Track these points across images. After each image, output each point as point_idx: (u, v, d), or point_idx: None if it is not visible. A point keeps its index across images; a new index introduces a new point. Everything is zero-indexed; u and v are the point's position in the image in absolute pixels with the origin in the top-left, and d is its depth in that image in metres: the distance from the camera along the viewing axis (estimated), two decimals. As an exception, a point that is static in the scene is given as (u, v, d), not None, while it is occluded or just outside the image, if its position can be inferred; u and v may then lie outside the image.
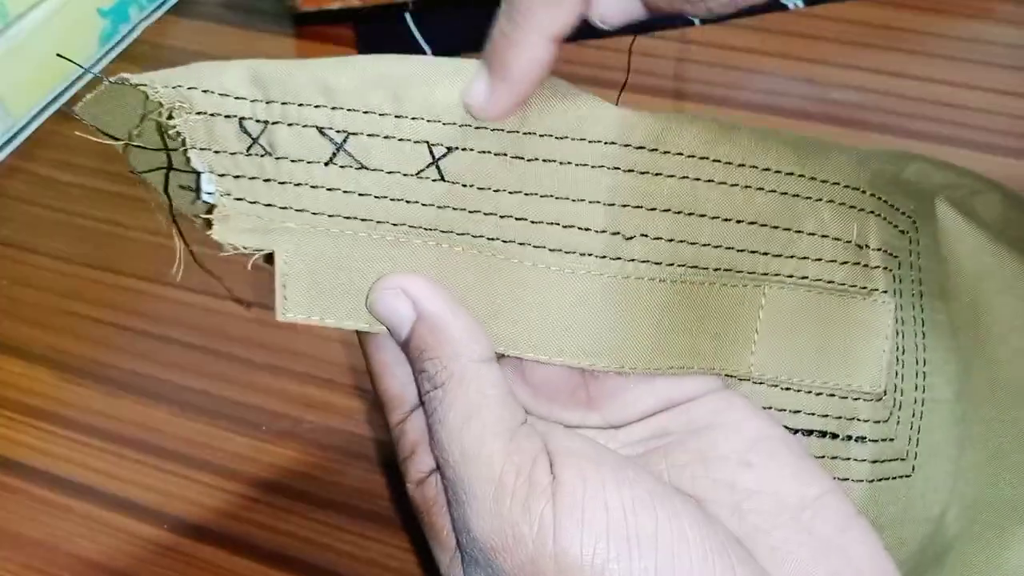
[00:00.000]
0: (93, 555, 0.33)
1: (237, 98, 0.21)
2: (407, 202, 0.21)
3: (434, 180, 0.21)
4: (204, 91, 0.22)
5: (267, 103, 0.21)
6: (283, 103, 0.21)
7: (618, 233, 0.22)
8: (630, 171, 0.22)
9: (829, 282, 0.24)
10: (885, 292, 0.24)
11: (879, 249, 0.24)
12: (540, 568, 0.20)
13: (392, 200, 0.21)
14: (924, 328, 0.25)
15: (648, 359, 0.23)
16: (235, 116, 0.21)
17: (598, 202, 0.22)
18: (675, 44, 0.56)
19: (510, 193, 0.21)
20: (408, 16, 0.59)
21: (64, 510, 0.35)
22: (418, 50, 0.56)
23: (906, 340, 0.25)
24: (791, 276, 0.24)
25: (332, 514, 0.34)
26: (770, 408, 0.24)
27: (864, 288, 0.24)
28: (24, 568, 0.33)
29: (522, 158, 0.21)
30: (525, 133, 0.21)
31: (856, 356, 0.24)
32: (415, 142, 0.21)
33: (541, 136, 0.22)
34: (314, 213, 0.22)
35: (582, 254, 0.22)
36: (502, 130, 0.21)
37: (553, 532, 0.20)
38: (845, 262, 0.24)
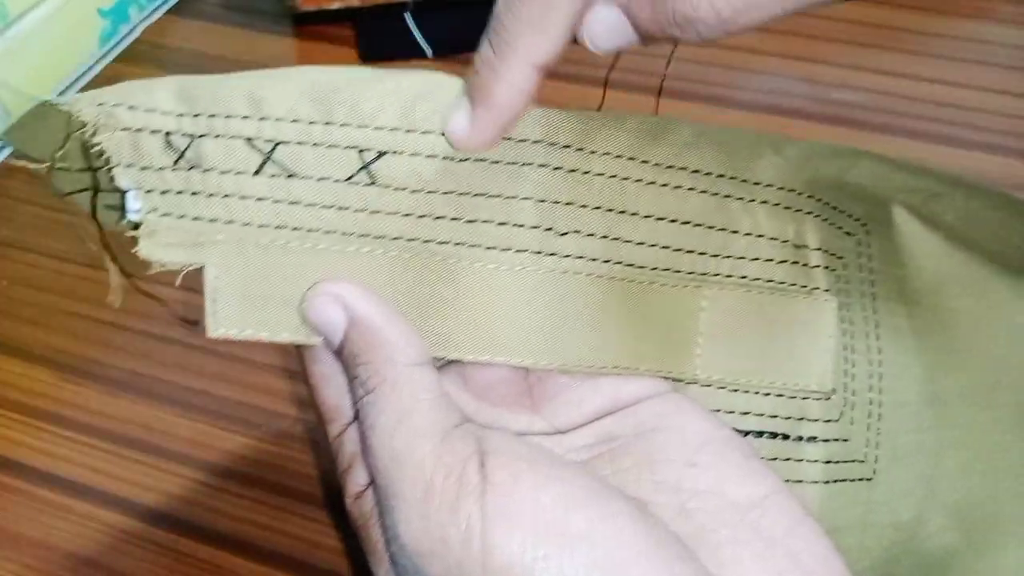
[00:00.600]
0: (93, 555, 0.33)
1: (163, 113, 0.21)
2: (339, 208, 0.21)
3: (365, 185, 0.21)
4: (130, 107, 0.21)
5: (194, 116, 0.21)
6: (210, 116, 0.21)
7: (551, 229, 0.22)
8: (558, 169, 0.22)
9: (768, 281, 0.24)
10: (827, 291, 0.24)
11: (819, 249, 0.24)
12: (467, 571, 0.19)
13: (323, 207, 0.21)
14: (879, 330, 0.25)
15: (589, 359, 0.23)
16: (161, 131, 0.21)
17: (529, 199, 0.22)
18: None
19: (443, 194, 0.21)
20: (408, 16, 0.59)
21: (64, 510, 0.35)
22: (418, 50, 0.56)
23: (856, 340, 0.25)
24: (730, 276, 0.24)
25: (332, 514, 0.34)
26: (719, 410, 0.24)
27: (804, 287, 0.25)
28: (24, 568, 0.33)
29: (452, 159, 0.21)
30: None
31: (801, 355, 0.24)
32: (344, 148, 0.21)
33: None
34: (244, 224, 0.21)
35: (517, 250, 0.22)
36: (432, 132, 0.21)
37: (480, 532, 0.19)
38: (783, 261, 0.24)
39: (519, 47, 0.21)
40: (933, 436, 0.25)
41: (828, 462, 0.24)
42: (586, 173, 0.22)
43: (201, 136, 0.21)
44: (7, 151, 0.51)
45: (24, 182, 0.49)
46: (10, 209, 0.47)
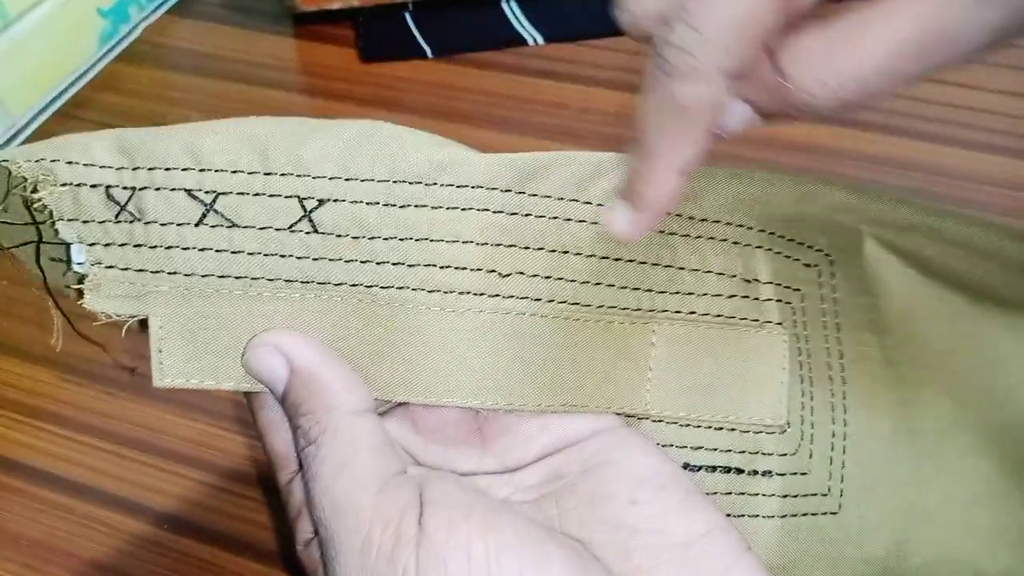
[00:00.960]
0: (93, 555, 0.33)
1: (102, 167, 0.21)
2: (281, 256, 0.21)
3: (307, 232, 0.21)
4: (68, 163, 0.21)
5: (133, 170, 0.21)
6: (150, 168, 0.21)
7: (494, 271, 0.22)
8: (499, 212, 0.22)
9: (717, 316, 0.24)
10: (780, 324, 0.24)
11: (770, 282, 0.24)
12: None
13: (266, 255, 0.21)
14: (843, 360, 0.25)
15: (537, 398, 0.23)
16: (101, 184, 0.21)
17: (471, 242, 0.22)
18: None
19: (385, 239, 0.21)
20: (408, 16, 0.59)
21: (64, 510, 0.35)
22: (418, 50, 0.56)
23: (815, 372, 0.25)
24: (678, 312, 0.24)
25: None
26: (671, 445, 0.24)
27: (756, 320, 0.24)
28: (24, 568, 0.33)
29: (394, 205, 0.21)
30: (395, 181, 0.22)
31: (753, 388, 0.24)
32: (286, 197, 0.21)
33: (411, 184, 0.22)
34: (187, 275, 0.21)
35: (461, 293, 0.22)
36: (373, 180, 0.21)
37: None
38: (732, 296, 0.24)
39: (664, 159, 0.21)
40: (910, 467, 0.25)
41: (785, 496, 0.24)
42: (526, 215, 0.23)
43: (142, 189, 0.21)
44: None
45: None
46: (10, 209, 0.47)
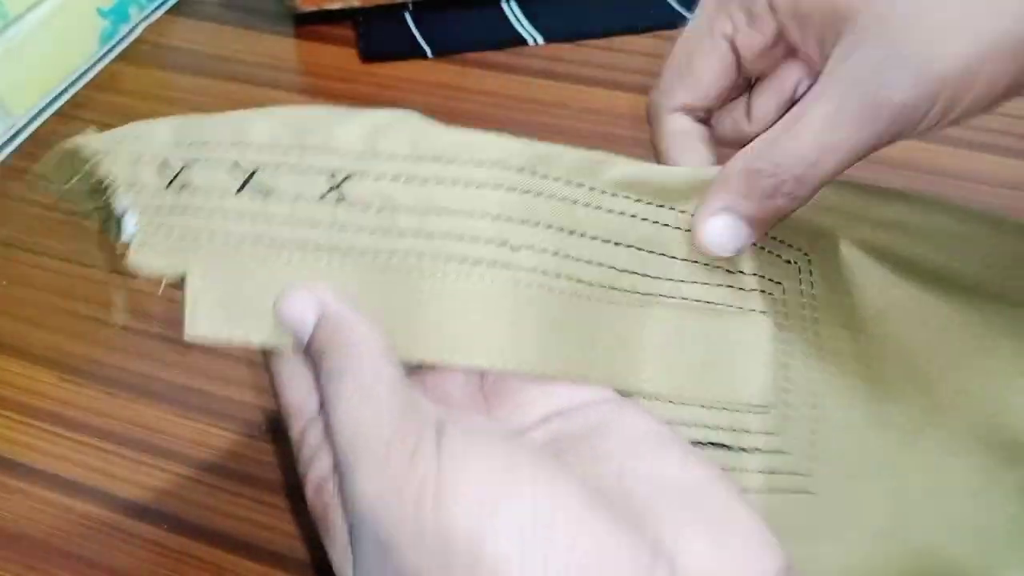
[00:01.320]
0: (93, 555, 0.33)
1: (160, 143, 0.24)
2: (310, 225, 0.23)
3: (336, 202, 0.23)
4: (134, 137, 0.24)
5: (188, 145, 0.23)
6: (201, 143, 0.23)
7: (506, 244, 0.24)
8: (513, 190, 0.24)
9: (707, 302, 0.26)
10: (763, 312, 0.26)
11: (754, 275, 0.26)
12: (420, 527, 0.20)
13: (296, 224, 0.23)
14: (822, 352, 0.26)
15: (541, 364, 0.24)
16: (156, 158, 0.24)
17: (487, 215, 0.24)
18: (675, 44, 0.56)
19: (407, 211, 0.23)
20: (408, 16, 0.59)
21: (64, 510, 0.35)
22: (418, 49, 0.56)
23: (793, 359, 0.26)
24: (671, 297, 0.26)
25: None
26: (664, 421, 0.25)
27: (740, 308, 0.26)
28: (24, 568, 0.33)
29: (416, 178, 0.23)
30: (418, 157, 0.23)
31: (739, 370, 0.26)
32: (318, 171, 0.23)
33: (434, 159, 0.23)
34: (224, 238, 0.24)
35: (474, 262, 0.23)
36: (397, 156, 0.23)
37: (434, 491, 0.20)
38: (719, 285, 0.26)
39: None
40: (883, 458, 0.26)
41: (768, 472, 0.25)
42: (539, 195, 0.24)
43: (193, 160, 0.23)
44: (8, 151, 0.51)
45: (24, 182, 0.49)
46: (10, 209, 0.47)
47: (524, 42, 0.56)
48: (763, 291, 0.26)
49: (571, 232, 0.24)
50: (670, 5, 0.58)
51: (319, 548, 0.33)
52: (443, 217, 0.23)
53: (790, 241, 0.26)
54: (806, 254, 0.27)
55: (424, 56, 0.56)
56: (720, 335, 0.26)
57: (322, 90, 0.54)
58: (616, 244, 0.25)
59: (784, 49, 0.26)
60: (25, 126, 0.52)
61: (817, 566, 0.25)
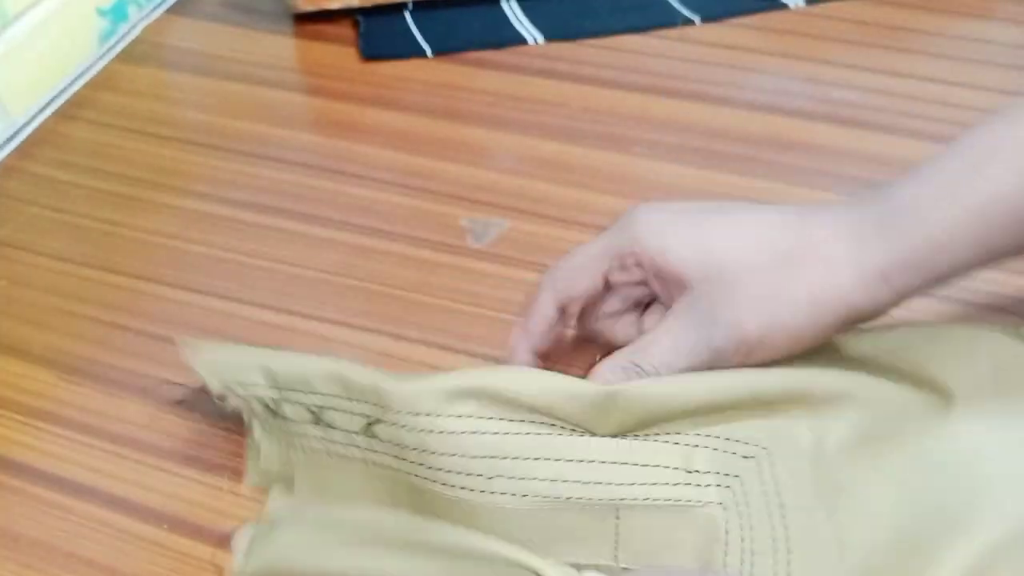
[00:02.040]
0: (93, 555, 0.33)
1: (261, 388, 0.34)
2: (356, 447, 0.33)
3: (369, 436, 0.33)
4: (239, 384, 0.34)
5: (278, 391, 0.34)
6: (286, 390, 0.34)
7: (481, 475, 0.31)
8: (485, 433, 0.31)
9: (667, 500, 0.31)
10: (720, 504, 0.31)
11: (709, 472, 0.31)
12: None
13: (346, 445, 0.33)
14: (788, 534, 0.30)
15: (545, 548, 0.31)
16: (262, 399, 0.34)
17: (466, 455, 0.31)
18: (675, 44, 0.56)
19: (411, 449, 0.32)
20: (408, 15, 0.59)
21: (64, 510, 0.35)
22: (418, 49, 0.56)
23: (757, 545, 0.30)
24: (636, 499, 0.31)
25: None
26: None
27: (700, 502, 0.31)
28: (24, 568, 0.33)
29: (415, 429, 0.32)
30: (415, 414, 0.32)
31: (699, 555, 0.31)
32: (358, 415, 0.33)
33: (425, 416, 0.32)
34: (303, 447, 0.34)
35: (461, 488, 0.31)
36: (401, 411, 0.32)
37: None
38: (677, 483, 0.31)
39: None
40: None
41: None
42: (516, 434, 0.31)
43: (283, 400, 0.34)
44: (7, 151, 0.51)
45: (24, 182, 0.49)
46: (10, 209, 0.47)
47: (524, 42, 0.56)
48: (719, 484, 0.31)
49: (536, 459, 0.31)
50: (670, 5, 0.58)
51: (319, 548, 0.33)
52: (433, 456, 0.31)
53: (748, 439, 0.32)
54: (765, 448, 0.31)
55: (424, 56, 0.56)
56: (685, 527, 0.31)
57: (322, 90, 0.54)
58: (589, 462, 0.31)
59: (640, 287, 0.35)
60: (25, 126, 0.52)
61: None
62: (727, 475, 0.31)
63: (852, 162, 0.48)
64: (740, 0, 0.58)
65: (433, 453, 0.31)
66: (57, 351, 0.40)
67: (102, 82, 0.55)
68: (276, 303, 0.42)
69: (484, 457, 0.31)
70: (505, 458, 0.31)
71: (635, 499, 0.31)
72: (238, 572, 0.32)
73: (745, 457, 0.31)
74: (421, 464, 0.32)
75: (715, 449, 0.32)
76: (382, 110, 0.52)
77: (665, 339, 0.33)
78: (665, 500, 0.31)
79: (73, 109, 0.53)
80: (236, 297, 0.42)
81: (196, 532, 0.34)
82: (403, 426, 0.32)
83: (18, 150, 0.51)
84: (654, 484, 0.31)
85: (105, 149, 0.51)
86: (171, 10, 0.61)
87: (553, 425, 0.32)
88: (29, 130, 0.52)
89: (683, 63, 0.54)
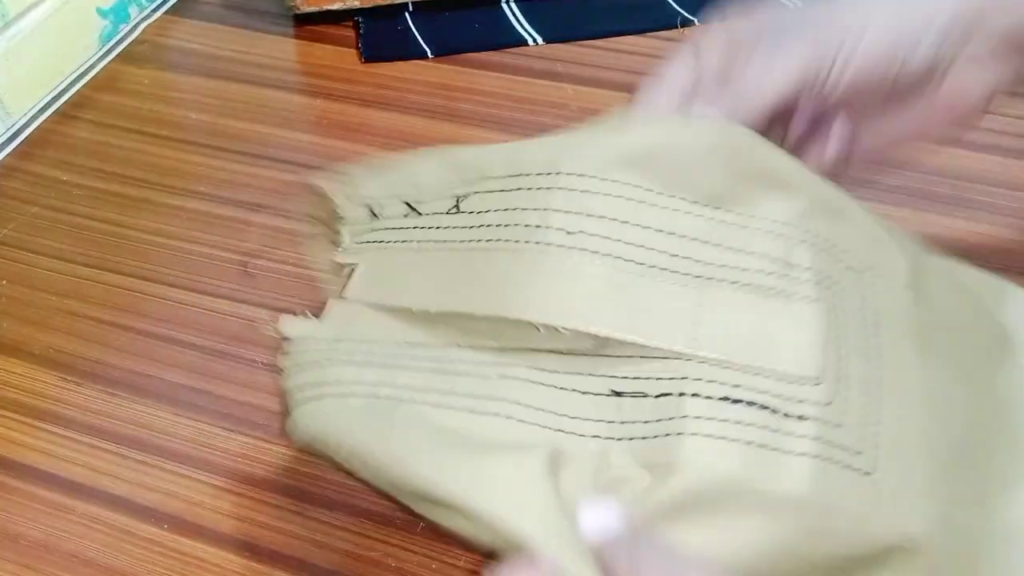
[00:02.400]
0: (93, 555, 0.33)
1: (373, 190, 0.34)
2: (438, 228, 0.32)
3: (455, 213, 0.31)
4: (356, 184, 0.34)
5: (388, 193, 0.33)
6: (394, 192, 0.33)
7: (574, 232, 0.28)
8: (574, 190, 0.29)
9: (759, 287, 0.27)
10: (817, 301, 0.27)
11: (809, 268, 0.28)
12: None
13: (429, 228, 0.32)
14: (881, 357, 0.27)
15: (612, 322, 0.27)
16: (369, 202, 0.34)
17: (559, 210, 0.28)
18: (675, 44, 0.56)
19: (494, 212, 0.30)
20: (408, 16, 0.59)
21: (64, 510, 0.35)
22: (418, 50, 0.56)
23: (848, 351, 0.27)
24: (723, 280, 0.28)
25: (331, 513, 0.34)
26: (714, 381, 0.26)
27: (793, 293, 0.27)
28: (24, 568, 0.33)
29: (501, 190, 0.30)
30: (507, 176, 0.30)
31: (788, 344, 0.27)
32: (447, 197, 0.31)
33: (519, 176, 0.30)
34: (387, 241, 0.33)
35: (547, 244, 0.28)
36: (492, 176, 0.30)
37: None
38: (772, 273, 0.28)
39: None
40: (946, 450, 0.26)
41: (819, 439, 0.25)
42: (607, 195, 0.28)
43: (386, 201, 0.33)
44: (7, 151, 0.51)
45: (24, 182, 0.49)
46: (10, 209, 0.47)
47: (524, 42, 0.56)
48: (817, 282, 0.27)
49: (625, 222, 0.28)
50: (670, 5, 0.58)
51: (320, 548, 0.34)
52: (517, 213, 0.29)
53: (854, 251, 0.29)
54: (870, 266, 0.29)
55: (424, 56, 0.56)
56: (771, 314, 0.27)
57: (322, 90, 0.54)
58: (670, 234, 0.28)
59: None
60: (25, 126, 0.52)
61: (863, 540, 0.25)
62: (828, 277, 0.28)
63: (852, 163, 0.48)
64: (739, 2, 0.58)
65: (516, 210, 0.30)
66: (57, 351, 0.40)
67: (103, 82, 0.55)
68: (277, 303, 0.42)
69: (579, 214, 0.28)
70: (598, 216, 0.28)
71: (723, 280, 0.28)
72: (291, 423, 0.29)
73: (848, 268, 0.29)
74: (500, 224, 0.30)
75: (819, 248, 0.28)
76: (383, 111, 0.52)
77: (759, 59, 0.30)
78: (758, 287, 0.27)
79: (74, 109, 0.53)
80: (237, 297, 0.42)
81: (196, 532, 0.34)
82: (490, 191, 0.31)
83: (18, 150, 0.51)
84: (745, 269, 0.28)
85: (105, 149, 0.51)
86: (172, 10, 0.61)
87: (649, 191, 0.29)
88: (29, 130, 0.52)
89: (683, 64, 0.54)
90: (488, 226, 0.30)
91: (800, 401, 0.25)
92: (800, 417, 0.25)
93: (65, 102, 0.54)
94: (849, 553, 0.25)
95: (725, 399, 0.25)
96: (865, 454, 0.25)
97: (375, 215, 0.34)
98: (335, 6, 0.57)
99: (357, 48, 0.57)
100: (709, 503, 0.24)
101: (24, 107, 0.53)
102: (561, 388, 0.27)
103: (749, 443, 0.24)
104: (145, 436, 0.37)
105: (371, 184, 0.34)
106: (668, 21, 0.57)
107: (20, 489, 0.36)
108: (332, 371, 0.30)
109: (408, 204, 0.33)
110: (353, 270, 0.33)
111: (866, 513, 0.25)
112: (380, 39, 0.57)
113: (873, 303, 0.28)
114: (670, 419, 0.25)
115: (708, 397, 0.25)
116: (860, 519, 0.25)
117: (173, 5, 0.61)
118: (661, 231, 0.28)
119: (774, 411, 0.25)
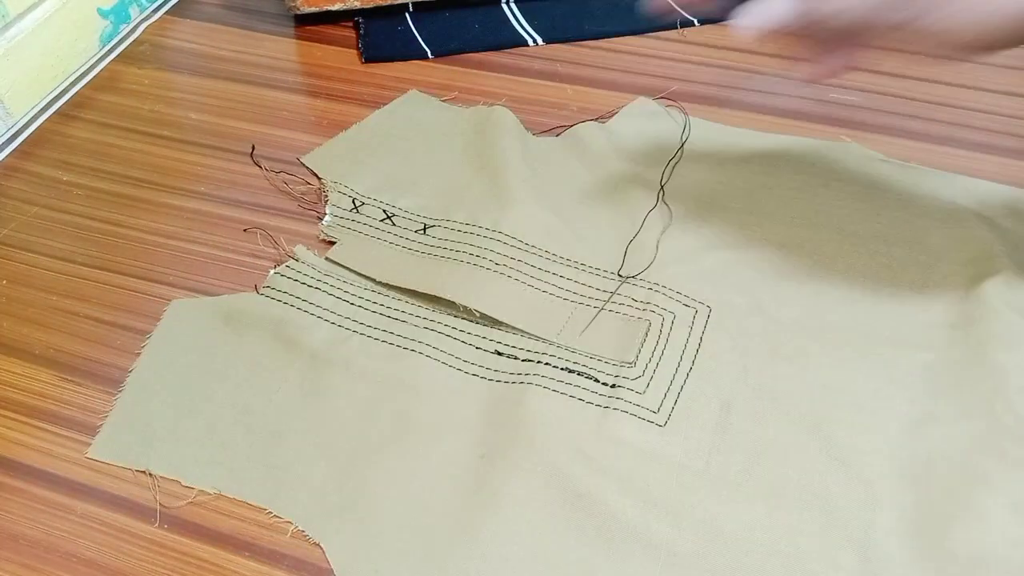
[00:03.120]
0: (93, 555, 0.33)
1: (358, 188, 0.47)
2: (410, 240, 0.45)
3: (422, 233, 0.45)
4: (343, 177, 0.48)
5: (368, 193, 0.47)
6: (374, 194, 0.47)
7: (495, 262, 0.43)
8: (504, 243, 0.44)
9: (619, 314, 0.41)
10: (646, 321, 0.41)
11: (648, 303, 0.41)
12: None
13: (406, 239, 0.45)
14: (701, 343, 0.40)
15: (502, 311, 0.42)
16: (353, 197, 0.47)
17: (486, 248, 0.44)
18: (674, 45, 0.56)
19: (451, 241, 0.44)
20: (408, 17, 0.59)
21: (64, 510, 0.35)
22: (418, 50, 0.56)
23: (670, 346, 0.40)
24: (596, 307, 0.41)
25: None
26: (562, 359, 0.39)
27: (637, 318, 0.41)
28: (24, 568, 0.33)
29: (457, 230, 0.45)
30: (467, 224, 0.45)
31: (620, 343, 0.40)
32: (415, 217, 0.46)
33: (477, 226, 0.44)
34: (370, 236, 0.45)
35: (481, 266, 0.43)
36: (454, 220, 0.45)
37: None
38: (632, 305, 0.41)
39: None
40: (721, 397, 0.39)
41: (623, 399, 0.38)
42: (525, 251, 0.44)
43: (367, 200, 0.47)
44: (7, 151, 0.51)
45: (24, 182, 0.49)
46: (10, 209, 0.47)
47: (524, 42, 0.56)
48: (654, 312, 0.41)
49: (534, 266, 0.43)
50: (670, 5, 0.58)
51: (319, 548, 0.33)
52: (467, 245, 0.44)
53: (696, 296, 0.41)
54: (708, 306, 0.41)
55: (424, 56, 0.56)
56: (616, 327, 0.40)
57: (322, 91, 0.54)
58: (564, 278, 0.43)
59: None
60: (25, 126, 0.52)
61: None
62: (664, 309, 0.41)
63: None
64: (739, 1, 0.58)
65: (464, 244, 0.44)
66: (57, 351, 0.40)
67: (103, 82, 0.55)
68: (276, 303, 0.42)
69: (502, 255, 0.43)
70: (513, 259, 0.43)
71: (594, 307, 0.41)
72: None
73: (686, 306, 0.41)
74: (451, 248, 0.44)
75: (670, 298, 0.41)
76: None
77: None
78: (615, 312, 0.41)
79: (74, 109, 0.53)
80: (236, 297, 0.42)
81: (196, 532, 0.34)
82: (453, 228, 0.44)
83: (19, 150, 0.51)
84: (619, 303, 0.41)
85: (105, 149, 0.51)
86: (172, 11, 0.61)
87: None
88: (30, 130, 0.52)
89: (682, 64, 0.54)
90: (444, 248, 0.44)
91: (617, 376, 0.38)
92: (614, 386, 0.38)
93: (65, 102, 0.54)
94: None
95: (566, 369, 0.39)
96: (661, 412, 0.37)
97: (357, 209, 0.46)
98: (335, 7, 0.57)
99: (357, 48, 0.57)
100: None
101: (24, 107, 0.53)
102: (463, 342, 0.40)
103: (572, 396, 0.38)
104: (145, 436, 0.37)
105: (359, 184, 0.47)
106: (668, 21, 0.57)
107: (20, 489, 0.36)
108: (316, 295, 0.42)
109: (386, 213, 0.46)
110: (335, 242, 0.44)
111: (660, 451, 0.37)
112: (380, 39, 0.57)
113: (699, 328, 0.40)
114: (526, 373, 0.38)
115: (555, 366, 0.39)
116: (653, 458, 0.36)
117: (173, 5, 0.61)
118: (556, 275, 0.43)
119: (596, 379, 0.38)
